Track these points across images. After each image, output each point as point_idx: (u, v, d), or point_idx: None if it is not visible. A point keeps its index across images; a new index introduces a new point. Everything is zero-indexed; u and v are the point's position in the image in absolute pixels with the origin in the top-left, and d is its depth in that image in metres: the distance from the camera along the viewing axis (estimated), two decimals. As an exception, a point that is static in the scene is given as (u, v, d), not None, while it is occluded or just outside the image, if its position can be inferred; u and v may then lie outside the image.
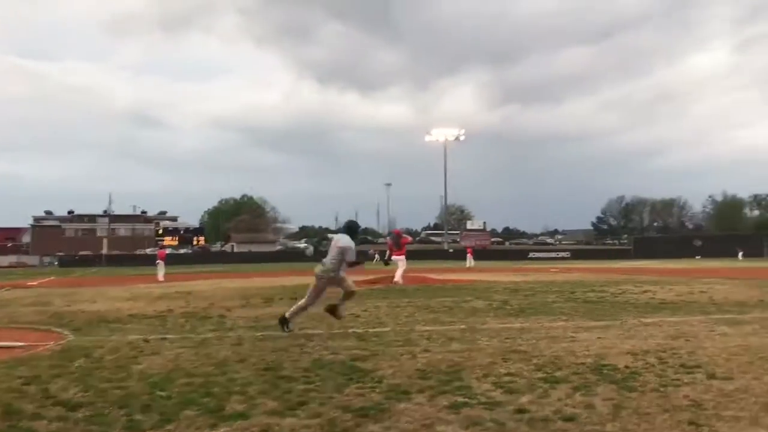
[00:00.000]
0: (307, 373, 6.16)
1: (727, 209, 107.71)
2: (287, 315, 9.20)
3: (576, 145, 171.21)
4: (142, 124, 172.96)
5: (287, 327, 9.05)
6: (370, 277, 22.51)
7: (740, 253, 55.18)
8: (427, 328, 9.47)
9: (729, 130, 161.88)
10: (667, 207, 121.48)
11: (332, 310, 9.17)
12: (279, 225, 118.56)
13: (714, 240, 72.37)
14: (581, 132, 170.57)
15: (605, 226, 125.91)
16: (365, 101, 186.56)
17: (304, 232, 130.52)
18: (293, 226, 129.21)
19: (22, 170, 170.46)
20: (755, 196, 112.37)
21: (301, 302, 9.23)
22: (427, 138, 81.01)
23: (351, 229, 9.40)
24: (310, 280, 9.34)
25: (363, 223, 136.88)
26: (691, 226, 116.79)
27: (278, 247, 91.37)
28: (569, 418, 4.38)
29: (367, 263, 41.97)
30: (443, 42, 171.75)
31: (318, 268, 9.06)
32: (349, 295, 9.19)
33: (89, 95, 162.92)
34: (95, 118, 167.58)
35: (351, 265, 9.01)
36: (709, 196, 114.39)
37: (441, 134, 79.56)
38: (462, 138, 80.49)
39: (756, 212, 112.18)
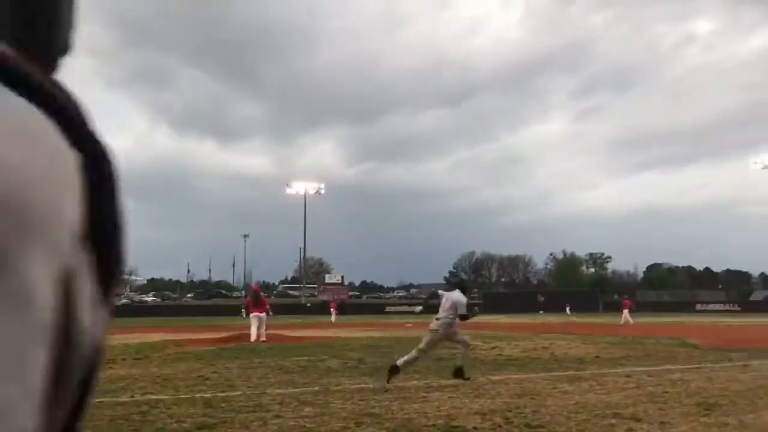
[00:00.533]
0: (147, 445, 5.75)
1: (566, 266, 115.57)
2: (398, 364, 9.43)
3: (432, 201, 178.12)
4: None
5: (392, 380, 9.30)
6: (223, 334, 21.76)
7: (568, 308, 59.12)
8: (280, 391, 9.22)
9: (569, 192, 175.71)
10: (513, 263, 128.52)
11: (458, 372, 9.68)
12: (125, 277, 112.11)
13: (555, 296, 77.07)
14: (437, 189, 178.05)
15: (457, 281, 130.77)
16: (225, 150, 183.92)
17: (153, 285, 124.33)
18: (141, 278, 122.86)
19: None
20: (591, 255, 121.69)
21: (414, 353, 9.61)
22: (288, 190, 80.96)
23: (462, 285, 10.47)
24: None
25: (217, 276, 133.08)
26: (535, 282, 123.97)
27: (124, 301, 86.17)
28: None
29: (235, 319, 40.45)
30: (306, 97, 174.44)
31: (433, 322, 9.79)
32: (466, 347, 9.90)
33: None
34: None
35: (462, 318, 9.91)
36: (551, 254, 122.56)
37: (301, 187, 79.79)
38: (322, 192, 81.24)
39: (592, 270, 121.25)
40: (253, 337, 19.27)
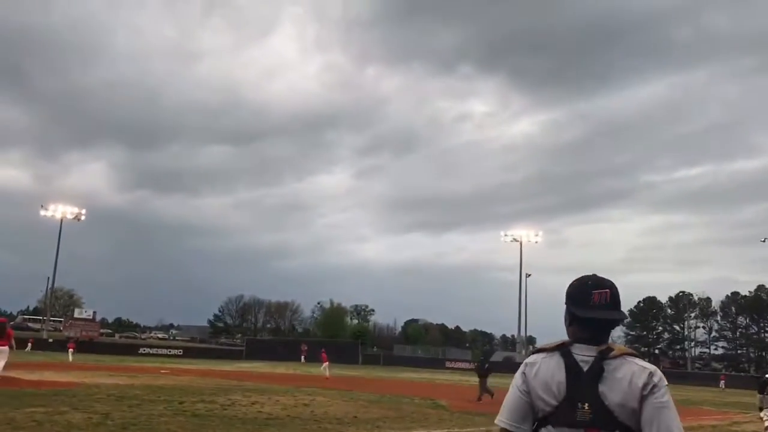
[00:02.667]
0: None
1: (332, 316, 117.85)
2: None
3: (205, 239, 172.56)
4: None
5: None
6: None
7: (303, 357, 61.02)
8: (6, 453, 8.01)
9: (343, 243, 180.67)
10: (281, 310, 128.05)
11: None
12: None
13: (318, 346, 77.92)
14: (212, 227, 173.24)
15: (221, 324, 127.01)
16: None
17: None
18: None
19: None
20: (356, 306, 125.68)
21: None
22: (42, 212, 73.39)
23: None
24: None
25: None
26: (300, 330, 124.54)
27: None
28: None
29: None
30: (81, 113, 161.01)
31: None
32: None
33: None
34: None
35: None
36: (318, 303, 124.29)
37: (59, 210, 72.85)
38: (83, 218, 74.81)
39: (355, 321, 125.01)
40: None
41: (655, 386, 2.13)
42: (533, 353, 2.35)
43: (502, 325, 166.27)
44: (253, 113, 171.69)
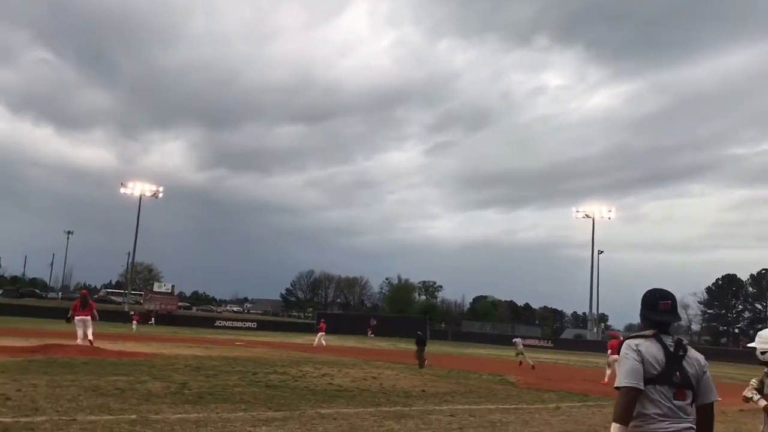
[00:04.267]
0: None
1: (400, 292, 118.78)
2: None
3: (277, 216, 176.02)
4: None
5: None
6: (32, 342, 19.94)
7: (370, 332, 62.28)
8: (92, 417, 8.45)
9: (412, 220, 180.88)
10: (351, 285, 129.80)
11: None
12: None
13: (386, 321, 78.81)
14: (285, 204, 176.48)
15: (293, 299, 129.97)
16: (62, 138, 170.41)
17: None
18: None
19: None
20: (423, 282, 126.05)
21: None
22: (123, 190, 76.54)
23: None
24: None
25: (33, 273, 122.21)
26: (369, 305, 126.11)
27: None
28: None
29: (47, 322, 36.94)
30: (160, 94, 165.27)
31: None
32: None
33: None
34: None
35: None
36: (386, 279, 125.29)
37: (137, 188, 75.79)
38: (161, 195, 77.62)
39: (423, 297, 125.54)
40: (79, 340, 19.97)
41: (706, 366, 3.48)
42: (636, 337, 3.47)
43: (573, 303, 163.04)
44: (326, 91, 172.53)
